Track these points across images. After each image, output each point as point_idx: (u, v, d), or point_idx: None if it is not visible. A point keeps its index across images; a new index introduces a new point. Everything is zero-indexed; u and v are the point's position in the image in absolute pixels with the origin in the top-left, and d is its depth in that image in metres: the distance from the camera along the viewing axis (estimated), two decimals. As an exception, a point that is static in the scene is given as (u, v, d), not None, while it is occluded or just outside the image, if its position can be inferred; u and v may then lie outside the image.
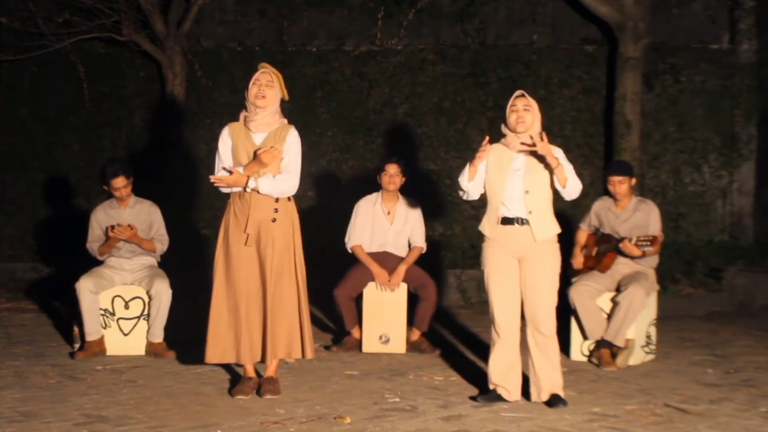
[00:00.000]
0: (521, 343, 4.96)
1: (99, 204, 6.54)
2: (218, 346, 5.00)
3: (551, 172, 4.81)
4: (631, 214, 6.19)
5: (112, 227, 6.22)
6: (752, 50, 9.43)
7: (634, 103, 9.04)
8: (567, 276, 6.17)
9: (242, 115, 5.09)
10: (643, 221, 6.15)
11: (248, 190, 4.94)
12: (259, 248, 4.97)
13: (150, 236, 6.35)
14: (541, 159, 4.80)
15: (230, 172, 4.94)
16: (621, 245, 6.04)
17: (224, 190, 5.04)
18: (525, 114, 4.82)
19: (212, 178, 4.94)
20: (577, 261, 6.34)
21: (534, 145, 4.73)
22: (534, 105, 4.86)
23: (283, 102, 5.12)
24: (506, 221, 4.86)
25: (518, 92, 4.89)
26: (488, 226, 4.92)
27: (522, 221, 4.84)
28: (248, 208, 4.97)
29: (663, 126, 9.51)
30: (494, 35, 9.73)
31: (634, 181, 6.26)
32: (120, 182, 6.24)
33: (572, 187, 4.84)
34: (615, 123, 9.12)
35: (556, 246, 4.93)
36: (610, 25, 9.15)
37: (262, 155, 4.89)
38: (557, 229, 4.91)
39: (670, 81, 9.49)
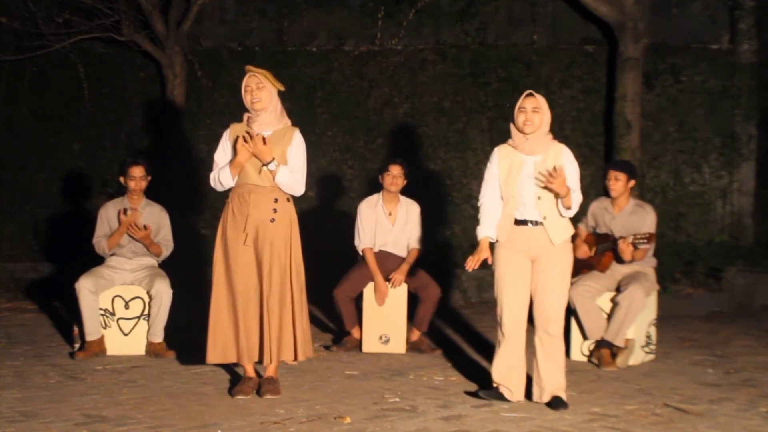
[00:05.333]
0: (526, 344, 4.96)
1: (109, 201, 6.55)
2: (219, 346, 5.00)
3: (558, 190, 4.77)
4: (628, 217, 6.18)
5: (125, 210, 6.22)
6: (752, 50, 9.44)
7: (634, 103, 9.05)
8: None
9: (245, 116, 5.09)
10: (637, 225, 6.13)
11: (267, 168, 4.92)
12: (257, 248, 4.97)
13: (156, 240, 6.35)
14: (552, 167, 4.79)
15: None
16: (619, 242, 6.02)
17: (241, 159, 4.95)
18: (534, 116, 4.78)
19: (244, 138, 4.87)
20: (581, 251, 6.30)
21: (550, 176, 4.69)
22: (544, 105, 4.81)
23: (283, 97, 5.11)
24: (520, 222, 4.85)
25: (527, 92, 4.84)
26: (501, 229, 4.87)
27: (536, 222, 4.83)
28: (247, 208, 4.96)
29: (663, 126, 9.51)
30: (494, 35, 9.73)
31: (632, 182, 6.23)
32: (138, 171, 6.25)
33: (573, 210, 4.82)
34: (615, 123, 9.12)
35: (570, 246, 4.92)
36: (610, 25, 9.15)
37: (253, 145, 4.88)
38: (571, 231, 4.92)
39: (670, 81, 9.49)
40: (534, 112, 4.78)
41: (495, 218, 4.88)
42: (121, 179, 6.35)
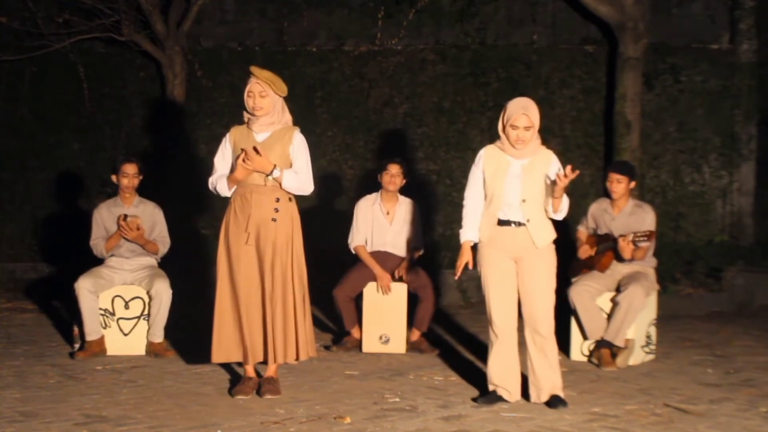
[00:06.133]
0: (519, 344, 4.97)
1: (102, 202, 6.55)
2: (223, 346, 5.01)
3: (548, 187, 4.79)
4: (627, 218, 6.18)
5: (124, 216, 6.21)
6: (752, 50, 9.43)
7: (634, 103, 9.04)
8: (567, 276, 6.17)
9: (245, 116, 5.09)
10: (637, 225, 6.13)
11: (271, 178, 4.93)
12: (259, 248, 4.97)
13: (152, 238, 6.35)
14: (539, 171, 4.81)
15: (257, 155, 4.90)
16: (619, 240, 6.02)
17: (239, 176, 4.95)
18: (525, 133, 4.76)
19: (242, 158, 4.88)
20: (583, 250, 6.31)
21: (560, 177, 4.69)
22: (536, 119, 4.77)
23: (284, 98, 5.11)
24: (503, 223, 4.86)
25: (521, 109, 4.75)
26: (485, 228, 4.90)
27: (519, 224, 4.84)
28: (249, 207, 4.97)
29: (663, 126, 9.51)
30: (494, 35, 9.73)
31: (633, 184, 6.24)
32: (131, 168, 6.25)
33: (561, 214, 4.85)
34: (615, 123, 9.12)
35: (552, 246, 4.93)
36: (610, 25, 9.15)
37: (248, 160, 4.88)
38: (554, 234, 4.92)
39: (670, 81, 9.48)
40: (526, 130, 4.78)
41: (477, 220, 4.92)
42: (114, 177, 6.34)
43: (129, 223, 6.16)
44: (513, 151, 4.84)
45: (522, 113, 4.76)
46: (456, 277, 4.96)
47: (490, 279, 4.89)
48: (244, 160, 4.89)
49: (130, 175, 6.26)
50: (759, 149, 9.43)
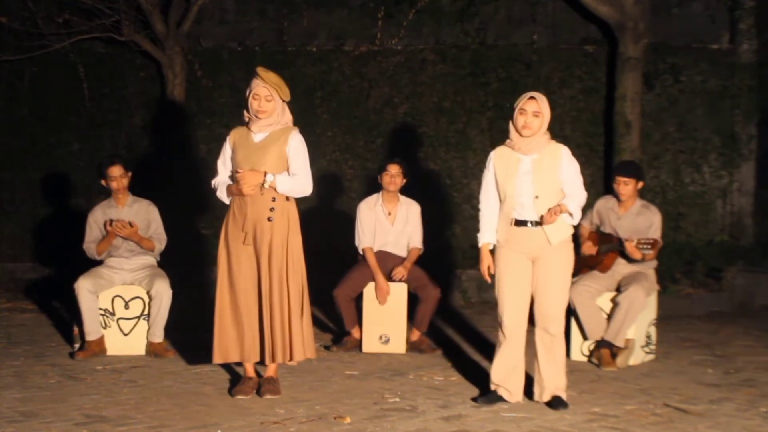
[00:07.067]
0: (526, 344, 4.96)
1: (97, 204, 6.54)
2: (223, 347, 5.02)
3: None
4: (634, 218, 6.18)
5: (111, 221, 6.20)
6: (752, 50, 9.43)
7: (634, 103, 9.04)
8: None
9: (245, 116, 5.09)
10: (644, 226, 6.13)
11: (266, 185, 4.94)
12: (256, 247, 4.98)
13: (148, 235, 6.34)
14: (549, 166, 4.82)
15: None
16: (626, 244, 6.01)
17: (246, 191, 4.99)
18: (533, 120, 4.77)
19: (235, 185, 4.95)
20: (586, 246, 6.31)
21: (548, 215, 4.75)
22: (545, 108, 4.80)
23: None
24: (519, 223, 4.85)
25: (529, 95, 4.81)
26: (501, 229, 4.90)
27: (535, 223, 4.83)
28: (246, 207, 4.98)
29: (663, 126, 9.51)
30: (494, 35, 9.73)
31: (641, 184, 6.23)
32: (116, 171, 6.21)
33: (576, 215, 4.83)
34: (615, 123, 9.12)
35: (570, 246, 4.92)
36: (610, 25, 9.15)
37: (243, 187, 4.92)
38: (570, 230, 4.91)
39: (670, 81, 9.49)
40: (534, 116, 4.78)
41: (494, 223, 4.93)
42: (102, 182, 6.32)
43: (115, 227, 6.15)
44: (522, 146, 4.83)
45: (530, 97, 4.79)
46: (489, 281, 4.94)
47: (504, 280, 4.88)
48: (237, 185, 4.93)
49: (117, 177, 6.22)
50: (759, 149, 9.43)
